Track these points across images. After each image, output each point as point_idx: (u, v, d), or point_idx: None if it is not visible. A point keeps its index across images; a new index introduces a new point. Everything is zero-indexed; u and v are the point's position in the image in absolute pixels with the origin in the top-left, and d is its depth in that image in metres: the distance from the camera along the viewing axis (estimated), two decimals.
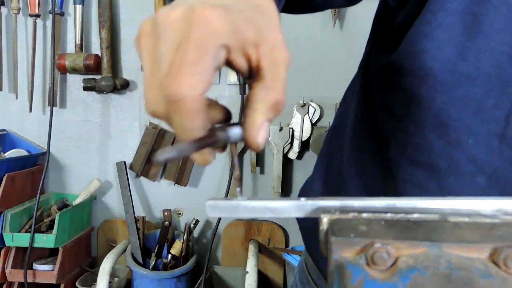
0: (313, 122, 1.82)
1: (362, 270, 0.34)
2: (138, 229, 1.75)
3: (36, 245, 1.64)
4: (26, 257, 1.63)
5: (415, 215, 0.38)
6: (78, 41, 1.84)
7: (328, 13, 1.80)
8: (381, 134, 0.59)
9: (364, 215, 0.39)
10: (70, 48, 1.89)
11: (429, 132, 0.53)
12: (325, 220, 0.39)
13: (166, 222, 1.79)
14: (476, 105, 0.50)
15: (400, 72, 0.53)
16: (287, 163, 1.86)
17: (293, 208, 0.43)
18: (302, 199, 0.43)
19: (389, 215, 0.38)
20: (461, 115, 0.50)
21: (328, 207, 0.41)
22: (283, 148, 1.81)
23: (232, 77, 1.85)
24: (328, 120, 1.82)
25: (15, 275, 1.65)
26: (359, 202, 0.41)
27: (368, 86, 0.63)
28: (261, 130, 0.36)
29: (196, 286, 1.78)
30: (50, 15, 1.81)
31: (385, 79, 0.57)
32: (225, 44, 0.32)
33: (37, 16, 1.83)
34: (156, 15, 0.33)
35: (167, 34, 0.32)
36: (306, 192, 0.76)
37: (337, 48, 1.82)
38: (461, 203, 0.41)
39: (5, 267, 1.65)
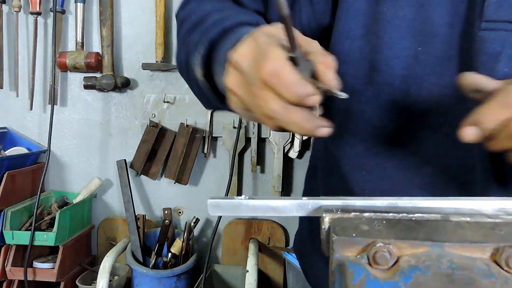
0: None
1: (364, 270, 0.34)
2: (138, 227, 1.75)
3: (36, 243, 1.64)
4: (26, 255, 1.63)
5: (417, 215, 0.38)
6: (79, 39, 1.84)
7: None
8: None
9: (366, 214, 0.39)
10: (71, 46, 1.89)
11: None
12: (326, 219, 0.39)
13: (167, 221, 1.79)
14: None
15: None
16: (287, 162, 1.86)
17: (294, 207, 0.43)
18: (304, 198, 0.43)
19: (390, 215, 0.38)
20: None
21: (330, 206, 0.41)
22: (284, 147, 1.81)
23: None
24: None
25: (15, 273, 1.65)
26: (361, 202, 0.41)
27: None
28: None
29: (196, 285, 1.78)
30: (51, 13, 1.81)
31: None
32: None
33: (38, 14, 1.83)
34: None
35: None
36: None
37: None
38: (463, 203, 0.40)
39: (5, 265, 1.65)
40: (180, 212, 1.95)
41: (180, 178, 1.86)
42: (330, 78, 0.43)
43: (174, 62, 1.87)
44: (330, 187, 0.67)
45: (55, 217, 1.67)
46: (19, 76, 1.89)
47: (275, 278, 1.91)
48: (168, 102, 1.86)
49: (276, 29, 0.46)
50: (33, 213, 1.69)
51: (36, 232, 1.64)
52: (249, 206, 0.42)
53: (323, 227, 0.39)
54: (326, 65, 0.43)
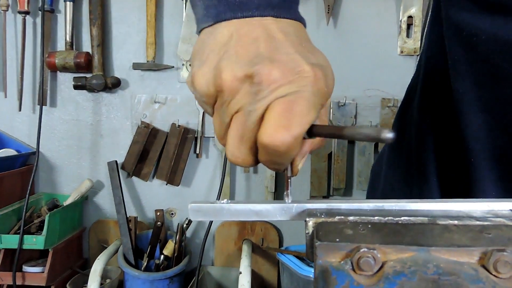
0: None
1: (348, 276, 0.33)
2: (130, 229, 1.73)
3: (25, 246, 1.61)
4: (15, 259, 1.60)
5: (403, 218, 0.37)
6: (68, 38, 1.81)
7: (322, 11, 1.79)
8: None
9: (351, 218, 0.38)
10: (61, 46, 1.87)
11: None
12: (310, 223, 0.38)
13: (159, 223, 1.77)
14: None
15: None
16: None
17: (277, 211, 0.41)
18: (287, 201, 0.42)
19: (376, 218, 0.37)
20: None
21: (314, 209, 0.40)
22: None
23: None
24: None
25: (4, 278, 1.63)
26: (346, 205, 0.40)
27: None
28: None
29: (189, 287, 1.76)
30: (40, 12, 1.79)
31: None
32: (322, 103, 0.37)
33: (27, 13, 1.81)
34: (252, 72, 0.36)
35: (268, 92, 0.35)
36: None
37: (331, 45, 1.81)
38: (451, 205, 0.39)
39: None
40: (172, 214, 1.93)
41: (172, 179, 1.85)
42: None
43: (165, 61, 1.85)
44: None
45: (44, 220, 1.65)
46: (8, 77, 1.86)
47: (269, 279, 1.89)
48: (159, 102, 1.85)
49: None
50: (22, 216, 1.66)
51: (25, 236, 1.62)
52: (231, 210, 0.41)
53: (306, 231, 0.38)
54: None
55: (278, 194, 1.86)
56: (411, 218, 0.37)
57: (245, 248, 1.76)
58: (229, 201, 0.41)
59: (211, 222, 1.78)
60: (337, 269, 0.33)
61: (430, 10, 0.57)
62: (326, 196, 1.84)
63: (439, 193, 0.54)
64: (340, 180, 1.80)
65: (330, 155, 1.82)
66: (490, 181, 0.48)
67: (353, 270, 0.33)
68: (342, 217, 0.38)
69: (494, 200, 0.39)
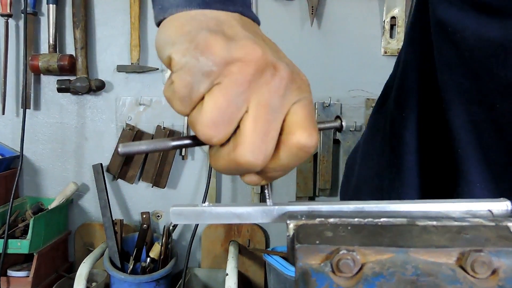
0: None
1: (327, 278, 0.33)
2: (115, 232, 1.72)
3: (9, 251, 1.60)
4: None
5: (383, 219, 0.37)
6: (51, 41, 1.79)
7: (305, 11, 1.80)
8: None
9: (331, 220, 0.38)
10: (44, 48, 1.85)
11: None
12: (291, 226, 0.38)
13: (145, 225, 1.76)
14: None
15: None
16: None
17: (259, 214, 0.42)
18: (269, 203, 0.42)
19: (356, 220, 0.37)
20: None
21: (295, 212, 0.40)
22: None
23: None
24: None
25: None
26: (327, 207, 0.40)
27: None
28: None
29: None
30: (23, 15, 1.76)
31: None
32: None
33: (9, 16, 1.78)
34: (276, 63, 0.36)
35: (289, 94, 0.36)
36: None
37: (315, 46, 1.81)
38: (430, 206, 0.40)
39: None
40: (158, 216, 1.92)
41: (158, 181, 1.84)
42: None
43: (149, 63, 1.84)
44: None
45: (29, 224, 1.63)
46: None
47: (256, 280, 1.89)
48: (144, 104, 1.84)
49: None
50: (6, 220, 1.64)
51: (9, 240, 1.60)
52: (212, 213, 0.41)
53: (287, 234, 0.38)
54: None
55: (264, 196, 1.86)
56: (390, 219, 0.38)
57: (232, 250, 1.76)
58: (210, 204, 0.41)
59: (197, 224, 1.78)
60: (317, 271, 0.33)
61: (413, 9, 0.58)
62: (312, 197, 1.84)
63: (417, 181, 0.54)
64: (325, 180, 1.81)
65: (315, 155, 1.82)
66: (476, 171, 0.48)
67: (333, 272, 0.33)
68: (323, 219, 0.38)
69: (472, 200, 0.40)
